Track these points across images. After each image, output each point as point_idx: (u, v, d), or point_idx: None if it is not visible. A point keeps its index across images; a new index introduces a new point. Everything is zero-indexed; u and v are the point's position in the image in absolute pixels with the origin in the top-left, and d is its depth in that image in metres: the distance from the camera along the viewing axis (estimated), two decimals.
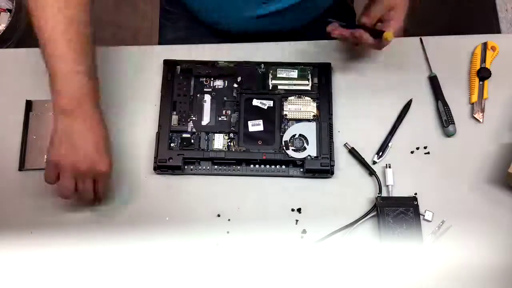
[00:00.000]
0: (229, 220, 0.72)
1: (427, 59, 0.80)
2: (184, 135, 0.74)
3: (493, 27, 0.93)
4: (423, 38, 0.82)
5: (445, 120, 0.75)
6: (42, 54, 0.63)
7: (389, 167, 0.73)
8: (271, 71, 0.78)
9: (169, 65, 0.78)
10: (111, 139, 0.67)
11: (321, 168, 0.72)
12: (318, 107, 0.76)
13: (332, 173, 0.73)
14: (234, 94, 0.77)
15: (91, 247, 0.71)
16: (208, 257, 0.70)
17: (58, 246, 0.70)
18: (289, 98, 0.76)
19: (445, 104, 0.77)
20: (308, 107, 0.76)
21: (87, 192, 0.66)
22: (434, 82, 0.79)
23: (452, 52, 0.82)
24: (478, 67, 0.79)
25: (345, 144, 0.75)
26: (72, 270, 0.69)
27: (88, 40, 0.64)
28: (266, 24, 0.83)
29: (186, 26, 0.95)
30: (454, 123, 0.75)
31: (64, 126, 0.63)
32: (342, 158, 0.75)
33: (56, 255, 0.70)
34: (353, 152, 0.75)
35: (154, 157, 0.73)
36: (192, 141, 0.74)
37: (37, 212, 0.73)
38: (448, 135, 0.76)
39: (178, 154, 0.73)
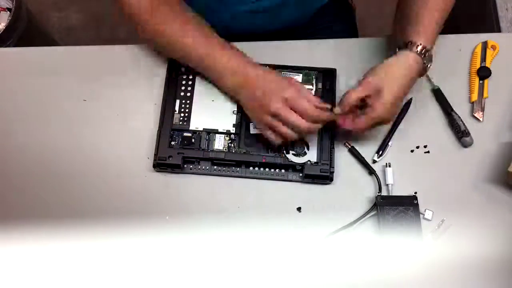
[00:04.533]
0: (228, 219, 0.72)
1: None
2: (185, 134, 0.74)
3: (493, 26, 0.93)
4: None
5: (464, 131, 0.75)
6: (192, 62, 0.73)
7: (389, 166, 0.73)
8: None
9: (174, 64, 0.78)
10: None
11: (320, 174, 0.72)
12: None
13: (332, 179, 0.73)
14: None
15: (90, 244, 0.70)
16: (208, 255, 0.70)
17: (58, 245, 0.70)
18: None
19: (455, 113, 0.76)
20: None
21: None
22: (438, 94, 0.78)
23: (452, 51, 0.82)
24: (478, 66, 0.79)
25: (345, 143, 0.75)
26: (72, 269, 0.69)
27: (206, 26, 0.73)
28: (262, 21, 0.83)
29: None
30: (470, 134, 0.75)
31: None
32: (342, 157, 0.75)
33: (56, 254, 0.70)
34: (352, 151, 0.75)
35: (154, 155, 0.73)
36: (193, 140, 0.74)
37: (38, 211, 0.73)
38: (466, 146, 0.75)
39: (178, 153, 0.73)
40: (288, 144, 0.72)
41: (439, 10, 0.71)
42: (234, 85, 0.71)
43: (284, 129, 0.67)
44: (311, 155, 0.73)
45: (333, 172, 0.72)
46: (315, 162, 0.72)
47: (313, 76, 0.77)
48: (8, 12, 1.31)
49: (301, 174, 0.73)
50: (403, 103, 0.75)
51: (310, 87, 0.77)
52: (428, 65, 0.71)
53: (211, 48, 0.70)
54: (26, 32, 1.33)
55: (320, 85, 0.77)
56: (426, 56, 0.69)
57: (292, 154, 0.73)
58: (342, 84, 0.79)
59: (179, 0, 0.73)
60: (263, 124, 0.69)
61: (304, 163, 0.72)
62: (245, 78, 0.69)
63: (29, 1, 1.41)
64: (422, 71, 0.71)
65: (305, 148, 0.73)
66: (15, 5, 1.28)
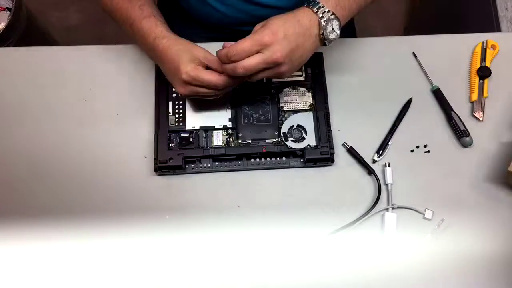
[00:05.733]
0: (231, 217, 0.72)
1: (424, 72, 0.80)
2: (183, 135, 0.74)
3: (493, 26, 0.93)
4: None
5: (463, 130, 0.75)
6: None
7: (388, 165, 0.73)
8: None
9: None
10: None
11: (321, 157, 0.73)
12: (313, 97, 0.76)
13: (333, 160, 0.73)
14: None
15: (90, 244, 0.70)
16: (211, 253, 0.70)
17: (59, 247, 0.70)
18: (284, 90, 0.77)
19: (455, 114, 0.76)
20: (304, 97, 0.76)
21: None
22: (439, 94, 0.78)
23: (452, 50, 0.82)
24: (478, 65, 0.79)
25: (343, 144, 0.75)
26: (73, 269, 0.69)
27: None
28: (257, 12, 0.83)
29: (181, 27, 0.95)
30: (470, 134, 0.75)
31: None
32: (342, 157, 0.75)
33: (56, 255, 0.70)
34: (351, 151, 0.75)
35: (155, 159, 0.72)
36: (191, 139, 0.74)
37: (38, 211, 0.73)
38: (466, 145, 0.75)
39: (178, 154, 0.72)
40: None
41: None
42: (152, 58, 0.74)
43: (202, 90, 0.66)
44: (310, 139, 0.73)
45: (333, 153, 0.73)
46: (314, 146, 0.73)
47: None
48: (8, 12, 1.31)
49: (302, 160, 0.74)
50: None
51: (299, 73, 0.77)
52: (328, 33, 0.63)
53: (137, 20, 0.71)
54: (26, 32, 1.33)
55: (309, 70, 0.78)
56: (324, 18, 0.62)
57: (291, 140, 0.73)
58: (334, 77, 0.79)
59: None
60: (183, 93, 0.68)
61: (304, 148, 0.73)
62: (155, 53, 0.69)
63: (29, 1, 1.42)
64: (320, 38, 0.63)
65: (303, 133, 0.73)
66: (15, 5, 1.28)
